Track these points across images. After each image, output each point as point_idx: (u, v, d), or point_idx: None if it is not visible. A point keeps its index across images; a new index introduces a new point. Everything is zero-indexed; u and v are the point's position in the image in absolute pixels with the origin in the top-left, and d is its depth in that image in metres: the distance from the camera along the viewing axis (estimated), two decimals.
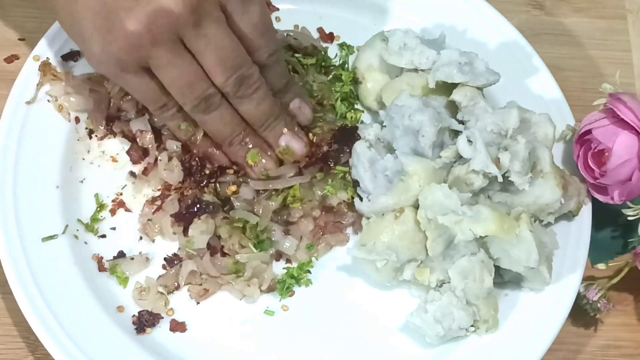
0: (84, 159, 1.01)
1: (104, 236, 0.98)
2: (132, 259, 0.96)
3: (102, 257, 0.97)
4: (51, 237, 0.95)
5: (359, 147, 0.99)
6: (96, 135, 1.02)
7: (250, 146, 0.97)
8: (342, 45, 1.09)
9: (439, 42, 1.04)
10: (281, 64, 0.98)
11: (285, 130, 0.98)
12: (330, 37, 1.10)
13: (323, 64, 1.07)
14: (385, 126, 0.99)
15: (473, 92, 0.98)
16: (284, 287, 0.97)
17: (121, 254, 0.97)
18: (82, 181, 1.00)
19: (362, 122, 1.05)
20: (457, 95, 0.98)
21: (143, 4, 0.87)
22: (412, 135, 0.96)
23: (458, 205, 0.92)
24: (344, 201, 0.99)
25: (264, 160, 0.97)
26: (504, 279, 0.96)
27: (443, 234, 0.93)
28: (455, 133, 0.98)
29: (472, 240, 0.93)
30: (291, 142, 0.98)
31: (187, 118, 0.96)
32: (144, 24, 0.87)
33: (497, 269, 0.94)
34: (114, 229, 0.99)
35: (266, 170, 0.98)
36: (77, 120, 1.01)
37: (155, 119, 0.99)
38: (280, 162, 0.99)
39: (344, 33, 1.10)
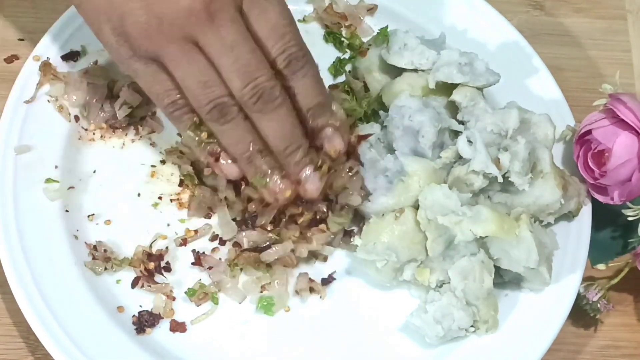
0: (84, 158, 1.01)
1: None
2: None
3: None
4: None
5: (359, 148, 0.99)
6: (93, 133, 1.02)
7: (268, 168, 0.91)
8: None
9: (439, 42, 1.04)
10: (310, 77, 0.90)
11: (307, 163, 0.90)
12: None
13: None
14: (385, 126, 0.99)
15: (473, 93, 0.98)
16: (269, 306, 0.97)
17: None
18: (81, 180, 1.00)
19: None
20: (457, 96, 0.98)
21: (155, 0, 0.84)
22: (412, 136, 0.96)
23: (458, 206, 0.92)
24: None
25: (280, 185, 0.91)
26: (504, 279, 0.96)
27: (443, 235, 0.93)
28: (456, 133, 0.98)
29: (472, 240, 0.93)
30: (307, 182, 0.91)
31: (198, 125, 0.91)
32: (155, 18, 0.84)
33: (497, 269, 0.94)
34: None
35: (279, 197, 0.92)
36: (77, 119, 1.01)
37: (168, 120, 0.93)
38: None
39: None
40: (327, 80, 1.06)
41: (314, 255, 0.98)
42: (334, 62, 1.08)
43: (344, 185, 0.95)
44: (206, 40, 0.86)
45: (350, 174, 0.95)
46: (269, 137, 0.90)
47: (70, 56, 1.03)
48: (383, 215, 0.95)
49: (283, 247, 0.96)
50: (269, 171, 0.91)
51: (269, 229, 0.96)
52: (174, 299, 0.96)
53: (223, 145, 0.92)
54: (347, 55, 1.09)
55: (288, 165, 0.91)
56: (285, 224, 0.96)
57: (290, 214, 0.96)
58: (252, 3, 0.87)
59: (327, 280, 0.98)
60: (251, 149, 0.90)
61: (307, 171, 0.92)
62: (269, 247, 0.96)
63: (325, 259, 0.98)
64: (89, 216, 0.98)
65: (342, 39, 1.09)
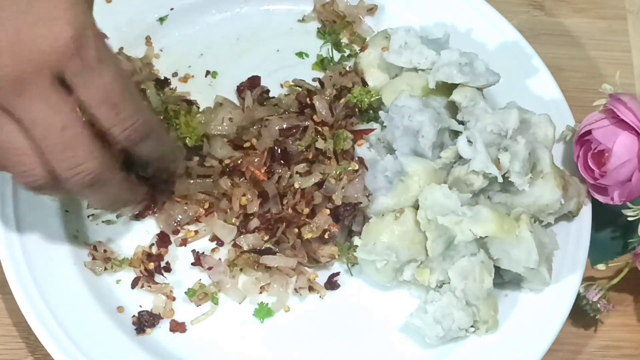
0: None
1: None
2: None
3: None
4: None
5: (358, 148, 0.99)
6: None
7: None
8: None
9: (441, 42, 1.04)
10: (151, 140, 0.83)
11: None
12: None
13: None
14: (385, 126, 0.99)
15: (473, 93, 0.98)
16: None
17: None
18: None
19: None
20: (457, 96, 0.98)
21: None
22: (412, 136, 0.96)
23: (458, 206, 0.92)
24: None
25: None
26: (504, 279, 0.96)
27: (443, 235, 0.93)
28: (455, 133, 0.98)
29: (472, 240, 0.93)
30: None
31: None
32: None
33: (497, 269, 0.94)
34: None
35: None
36: None
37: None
38: None
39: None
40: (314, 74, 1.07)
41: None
42: (319, 60, 1.09)
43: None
44: (15, 113, 0.77)
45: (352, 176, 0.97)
46: (96, 206, 0.90)
47: None
48: (383, 215, 0.95)
49: (286, 261, 0.96)
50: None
51: (265, 238, 0.97)
52: (174, 299, 0.96)
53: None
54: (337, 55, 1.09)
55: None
56: (288, 235, 0.96)
57: (296, 226, 0.96)
58: (74, 73, 0.76)
59: (332, 285, 0.98)
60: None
61: None
62: (269, 250, 0.96)
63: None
64: (89, 216, 0.98)
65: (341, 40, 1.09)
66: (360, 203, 0.96)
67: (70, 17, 0.76)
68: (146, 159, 0.86)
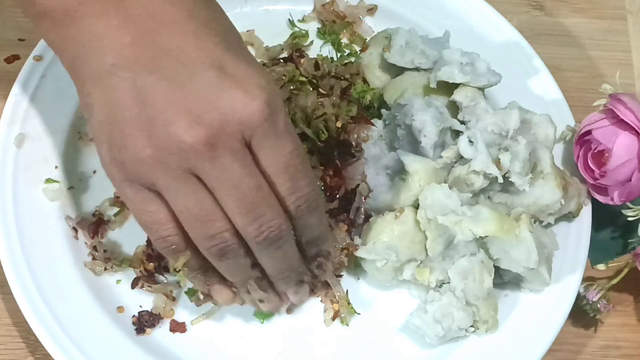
0: (84, 158, 1.01)
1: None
2: None
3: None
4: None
5: (364, 143, 0.99)
6: None
7: (264, 291, 0.90)
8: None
9: (442, 41, 1.04)
10: (316, 214, 0.86)
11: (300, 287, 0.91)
12: None
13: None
14: (387, 124, 0.99)
15: (474, 93, 0.98)
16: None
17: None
18: (82, 180, 1.00)
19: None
20: (458, 96, 0.98)
21: (156, 126, 0.77)
22: (414, 135, 0.96)
23: (458, 206, 0.92)
24: None
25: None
26: (504, 279, 0.96)
27: (443, 234, 0.93)
28: (457, 133, 0.98)
29: (472, 240, 0.93)
30: (294, 297, 0.91)
31: (193, 260, 0.86)
32: (153, 148, 0.78)
33: (497, 269, 0.94)
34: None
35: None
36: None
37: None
38: None
39: None
40: None
41: None
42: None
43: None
44: (208, 174, 0.79)
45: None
46: (268, 269, 0.87)
47: None
48: (383, 214, 0.95)
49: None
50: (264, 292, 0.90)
51: None
52: (174, 299, 0.96)
53: (220, 271, 0.87)
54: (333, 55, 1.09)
55: (279, 287, 0.90)
56: None
57: None
58: (262, 138, 0.79)
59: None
60: (252, 277, 0.88)
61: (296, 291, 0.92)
62: None
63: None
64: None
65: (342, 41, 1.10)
66: (358, 185, 0.96)
67: (263, 83, 0.78)
68: (309, 236, 0.88)
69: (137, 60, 0.78)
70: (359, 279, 0.98)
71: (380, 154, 0.98)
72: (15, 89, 1.00)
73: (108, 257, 0.96)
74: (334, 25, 1.10)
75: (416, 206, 0.94)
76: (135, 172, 0.80)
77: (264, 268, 0.87)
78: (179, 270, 0.86)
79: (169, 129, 0.77)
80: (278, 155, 0.80)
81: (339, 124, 0.99)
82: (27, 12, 0.84)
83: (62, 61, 0.84)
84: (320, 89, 1.02)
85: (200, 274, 0.88)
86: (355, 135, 1.00)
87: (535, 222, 0.96)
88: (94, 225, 0.97)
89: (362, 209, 0.97)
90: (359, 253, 0.95)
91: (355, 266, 0.97)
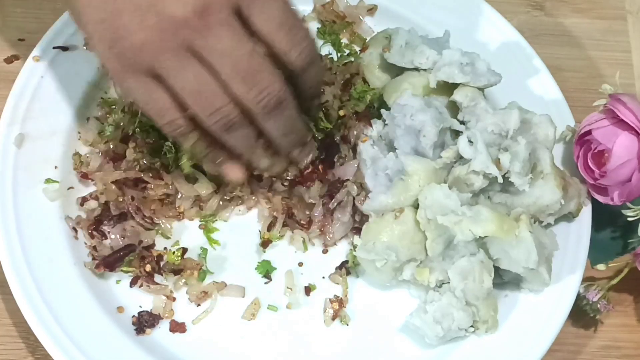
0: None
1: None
2: None
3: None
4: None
5: (362, 144, 0.99)
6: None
7: (271, 158, 0.92)
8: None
9: (442, 42, 1.04)
10: (316, 65, 0.88)
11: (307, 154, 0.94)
12: None
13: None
14: (387, 124, 0.99)
15: (474, 93, 0.98)
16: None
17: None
18: (81, 180, 1.00)
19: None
20: (457, 96, 0.98)
21: (145, 9, 0.80)
22: (414, 135, 0.96)
23: (458, 206, 0.92)
24: None
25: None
26: (504, 279, 0.96)
27: (443, 234, 0.93)
28: (457, 133, 0.98)
29: (472, 240, 0.93)
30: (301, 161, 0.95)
31: (200, 138, 0.88)
32: (147, 31, 0.81)
33: (497, 269, 0.94)
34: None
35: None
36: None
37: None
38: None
39: None
40: None
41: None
42: None
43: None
44: (202, 47, 0.82)
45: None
46: (273, 134, 0.89)
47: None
48: (383, 214, 0.95)
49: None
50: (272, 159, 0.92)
51: None
52: (174, 299, 0.96)
53: (229, 147, 0.89)
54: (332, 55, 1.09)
55: (285, 149, 0.92)
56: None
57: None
58: (251, 1, 0.82)
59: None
60: (261, 146, 0.90)
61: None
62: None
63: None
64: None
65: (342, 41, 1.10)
66: (348, 180, 0.97)
67: None
68: (310, 89, 0.90)
69: None
70: (358, 276, 0.98)
71: (379, 155, 0.98)
72: (15, 89, 1.00)
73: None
74: (333, 25, 1.10)
75: (416, 206, 0.94)
76: (133, 59, 0.82)
77: (268, 134, 0.89)
78: (188, 159, 0.91)
79: (158, 9, 0.80)
80: (269, 13, 0.82)
81: (342, 112, 1.00)
82: None
83: None
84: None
85: (210, 153, 0.90)
86: (355, 132, 1.00)
87: (535, 222, 0.96)
88: (94, 225, 0.97)
89: (349, 208, 0.98)
90: (358, 253, 0.95)
91: (355, 265, 0.97)
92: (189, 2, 0.80)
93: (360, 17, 1.10)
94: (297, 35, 0.84)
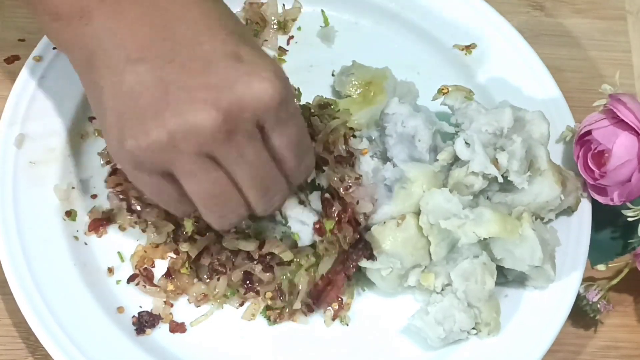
0: (84, 158, 1.01)
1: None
2: None
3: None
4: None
5: (362, 157, 0.98)
6: (94, 134, 1.02)
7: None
8: None
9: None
10: (312, 171, 0.93)
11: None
12: None
13: None
14: (378, 135, 0.99)
15: (464, 94, 0.98)
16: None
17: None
18: (81, 180, 1.00)
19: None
20: (448, 100, 0.98)
21: (170, 115, 0.78)
22: (408, 142, 0.96)
23: (460, 209, 0.92)
24: None
25: None
26: (508, 278, 0.96)
27: (446, 238, 0.93)
28: (446, 135, 0.98)
29: (476, 242, 0.93)
30: None
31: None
32: (168, 135, 0.78)
33: (501, 268, 0.94)
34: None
35: None
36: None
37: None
38: None
39: (345, 34, 1.11)
40: None
41: None
42: None
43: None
44: (224, 157, 0.81)
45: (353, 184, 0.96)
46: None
47: None
48: (384, 222, 0.95)
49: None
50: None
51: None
52: (171, 305, 0.96)
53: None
54: None
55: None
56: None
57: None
58: (275, 121, 0.82)
59: None
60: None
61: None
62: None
63: None
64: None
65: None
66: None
67: (277, 70, 0.81)
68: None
69: (152, 51, 0.80)
70: (364, 290, 0.98)
71: (377, 167, 0.98)
72: (15, 89, 1.00)
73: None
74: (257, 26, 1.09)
75: (417, 212, 0.94)
76: (148, 159, 0.81)
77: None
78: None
79: (185, 115, 0.78)
80: (289, 138, 0.83)
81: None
82: (37, 13, 0.86)
83: (74, 59, 0.86)
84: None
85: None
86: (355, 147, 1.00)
87: (536, 219, 0.95)
88: (94, 224, 0.97)
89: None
90: (363, 263, 0.94)
91: (358, 279, 0.97)
92: (220, 115, 0.78)
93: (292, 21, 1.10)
94: (306, 158, 0.87)
